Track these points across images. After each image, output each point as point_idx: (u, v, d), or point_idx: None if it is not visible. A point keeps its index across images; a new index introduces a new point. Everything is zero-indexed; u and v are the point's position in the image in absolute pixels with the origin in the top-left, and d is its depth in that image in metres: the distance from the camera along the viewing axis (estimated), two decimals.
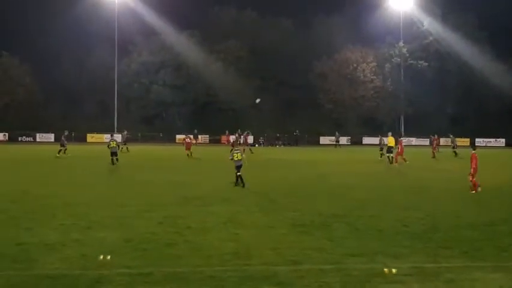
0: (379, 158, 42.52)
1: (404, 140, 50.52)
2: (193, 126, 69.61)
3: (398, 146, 40.18)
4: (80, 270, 10.30)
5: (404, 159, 38.37)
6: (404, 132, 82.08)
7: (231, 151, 27.07)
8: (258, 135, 74.55)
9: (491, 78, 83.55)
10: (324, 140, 76.72)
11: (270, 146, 70.53)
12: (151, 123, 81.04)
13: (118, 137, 43.56)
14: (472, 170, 22.91)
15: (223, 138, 73.85)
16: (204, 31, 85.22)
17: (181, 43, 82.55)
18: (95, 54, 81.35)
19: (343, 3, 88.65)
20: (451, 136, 53.16)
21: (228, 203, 19.13)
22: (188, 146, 45.82)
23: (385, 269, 10.62)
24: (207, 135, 78.33)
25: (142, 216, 16.15)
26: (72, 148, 50.93)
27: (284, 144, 71.86)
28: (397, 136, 45.93)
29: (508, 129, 79.72)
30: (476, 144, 78.29)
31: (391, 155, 39.32)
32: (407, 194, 22.79)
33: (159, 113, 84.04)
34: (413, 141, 77.26)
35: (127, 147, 49.12)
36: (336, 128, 79.83)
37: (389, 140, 40.77)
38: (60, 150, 42.49)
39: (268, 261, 11.36)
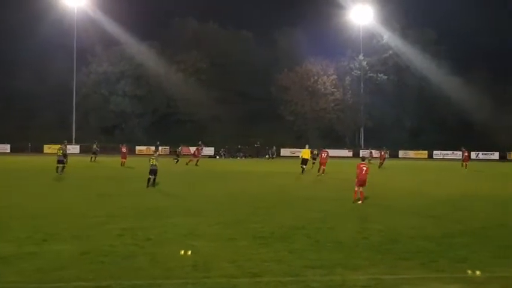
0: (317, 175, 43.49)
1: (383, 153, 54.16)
2: (154, 137, 69.88)
3: (320, 156, 41.37)
4: (36, 284, 10.15)
5: (320, 169, 39.68)
6: (364, 144, 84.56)
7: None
8: (219, 146, 74.74)
9: (448, 92, 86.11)
10: (285, 151, 76.97)
11: (230, 158, 70.48)
12: (112, 134, 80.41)
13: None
14: (361, 179, 23.27)
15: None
16: (165, 42, 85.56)
17: (141, 53, 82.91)
18: (53, 63, 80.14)
19: (305, 17, 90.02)
20: (384, 148, 55.86)
21: (189, 215, 19.02)
22: (124, 156, 47.01)
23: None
24: (168, 147, 77.15)
25: (101, 228, 16.07)
26: (30, 159, 51.44)
27: (245, 156, 72.00)
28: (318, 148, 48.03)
29: (465, 141, 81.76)
30: (434, 157, 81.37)
31: (305, 166, 40.76)
32: (367, 206, 22.75)
33: (119, 123, 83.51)
34: (373, 153, 78.58)
35: (95, 158, 50.52)
36: (297, 140, 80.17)
37: (305, 152, 42.07)
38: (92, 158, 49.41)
39: (228, 274, 11.31)
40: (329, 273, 11.44)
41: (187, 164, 48.30)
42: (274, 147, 71.85)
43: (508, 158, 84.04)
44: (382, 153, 53.18)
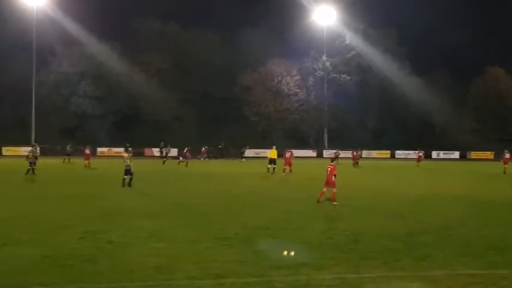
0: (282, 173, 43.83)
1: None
2: (116, 139, 71.27)
3: (284, 156, 43.01)
4: None
5: (284, 169, 41.32)
6: (328, 145, 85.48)
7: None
8: (182, 148, 74.27)
9: (410, 93, 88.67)
10: (249, 152, 77.30)
11: (194, 159, 70.66)
12: (73, 135, 79.24)
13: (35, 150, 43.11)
14: (329, 181, 23.70)
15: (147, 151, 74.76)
16: (126, 42, 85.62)
17: (102, 54, 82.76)
18: (11, 63, 79.73)
19: (268, 17, 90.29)
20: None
21: (151, 217, 19.06)
22: (87, 157, 48.31)
23: None
24: (130, 148, 77.43)
25: (62, 231, 15.96)
26: None
27: (209, 157, 72.19)
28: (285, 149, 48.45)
29: (426, 141, 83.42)
30: (396, 157, 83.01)
31: (274, 166, 41.83)
32: (332, 206, 22.93)
33: (80, 124, 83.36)
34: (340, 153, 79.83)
35: (69, 160, 50.89)
36: (262, 140, 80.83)
37: (272, 153, 43.13)
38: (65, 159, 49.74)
39: (192, 276, 11.37)
40: (294, 273, 11.51)
41: (178, 164, 52.13)
42: (247, 147, 71.62)
43: (468, 157, 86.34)
44: (355, 153, 55.48)
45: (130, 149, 44.13)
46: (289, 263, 12.39)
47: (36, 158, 38.83)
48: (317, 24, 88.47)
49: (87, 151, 49.41)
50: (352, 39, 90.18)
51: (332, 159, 26.26)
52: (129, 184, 29.82)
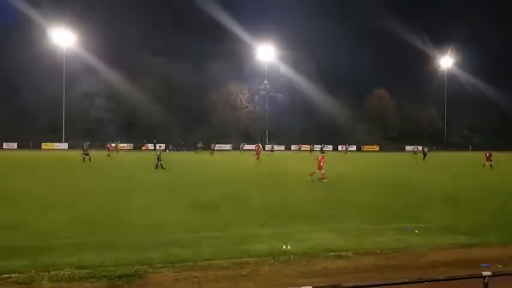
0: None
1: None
2: (121, 137, 75.45)
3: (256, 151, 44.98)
4: (38, 241, 10.17)
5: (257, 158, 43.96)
6: (268, 141, 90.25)
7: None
8: (168, 143, 79.73)
9: (324, 104, 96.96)
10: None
11: (176, 151, 73.43)
12: (91, 135, 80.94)
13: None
14: (319, 166, 24.70)
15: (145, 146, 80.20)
16: (130, 70, 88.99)
17: (112, 78, 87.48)
18: (46, 85, 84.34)
19: (228, 53, 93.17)
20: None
21: (147, 191, 19.03)
22: (109, 149, 51.64)
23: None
24: (132, 144, 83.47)
25: (83, 201, 16.12)
26: (34, 154, 52.45)
27: (188, 150, 74.32)
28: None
29: (334, 138, 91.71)
30: (314, 149, 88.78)
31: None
32: (272, 183, 23.73)
33: (97, 128, 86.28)
34: (275, 147, 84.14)
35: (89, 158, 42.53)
36: (223, 139, 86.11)
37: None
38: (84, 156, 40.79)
39: (175, 231, 11.42)
40: (245, 228, 11.91)
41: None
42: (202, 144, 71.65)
43: (361, 149, 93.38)
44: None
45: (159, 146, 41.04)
46: (240, 221, 12.73)
47: (88, 150, 40.59)
48: (261, 59, 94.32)
49: (109, 145, 53.33)
50: (284, 69, 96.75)
51: (322, 151, 27.56)
52: (162, 166, 30.96)
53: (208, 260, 9.18)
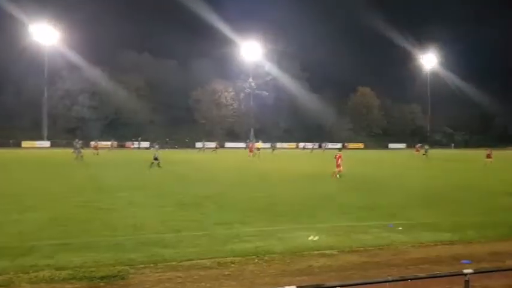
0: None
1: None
2: (104, 136, 74.83)
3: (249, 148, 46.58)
4: (18, 242, 10.08)
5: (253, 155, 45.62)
6: (254, 139, 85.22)
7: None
8: (153, 141, 76.03)
9: (308, 103, 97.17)
10: (199, 145, 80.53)
11: (161, 149, 71.40)
12: (73, 133, 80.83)
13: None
14: (338, 164, 25.21)
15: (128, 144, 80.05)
16: (113, 67, 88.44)
17: (95, 75, 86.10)
18: (26, 83, 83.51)
19: (214, 50, 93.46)
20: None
21: (131, 190, 19.00)
22: (95, 148, 52.38)
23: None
24: (116, 142, 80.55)
25: (65, 201, 15.95)
26: (15, 152, 52.17)
27: (173, 148, 73.53)
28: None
29: (319, 137, 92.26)
30: (299, 147, 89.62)
31: (258, 152, 46.88)
32: (256, 181, 24.04)
33: (79, 126, 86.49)
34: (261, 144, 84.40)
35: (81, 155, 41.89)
36: (207, 136, 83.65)
37: (258, 144, 49.45)
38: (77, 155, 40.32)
39: (158, 231, 11.42)
40: (229, 227, 11.90)
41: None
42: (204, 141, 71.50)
43: (346, 147, 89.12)
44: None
45: (157, 146, 40.53)
46: (224, 221, 12.70)
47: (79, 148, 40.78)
48: (246, 57, 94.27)
49: (95, 143, 54.04)
50: (269, 68, 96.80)
51: (339, 149, 27.43)
52: (158, 165, 30.88)
53: (192, 259, 9.12)
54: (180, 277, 8.19)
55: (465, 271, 5.16)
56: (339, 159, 25.34)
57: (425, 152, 55.03)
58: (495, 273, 6.27)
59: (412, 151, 61.80)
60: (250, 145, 50.42)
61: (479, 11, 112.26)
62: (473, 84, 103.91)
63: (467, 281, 5.14)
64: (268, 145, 73.72)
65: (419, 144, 63.00)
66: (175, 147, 74.41)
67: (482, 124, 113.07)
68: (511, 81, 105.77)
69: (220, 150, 65.08)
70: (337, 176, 24.93)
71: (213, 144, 69.41)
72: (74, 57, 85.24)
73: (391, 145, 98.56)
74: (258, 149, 52.64)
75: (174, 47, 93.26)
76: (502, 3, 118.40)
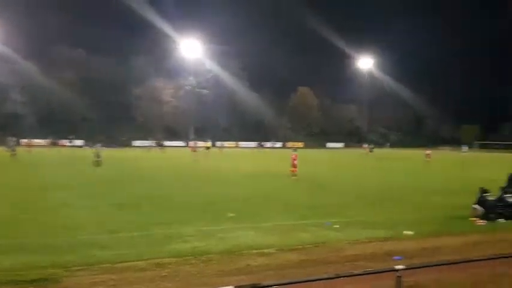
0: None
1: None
2: (37, 133, 72.32)
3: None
4: None
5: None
6: (194, 137, 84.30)
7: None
8: (88, 140, 75.66)
9: (249, 101, 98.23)
10: (136, 143, 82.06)
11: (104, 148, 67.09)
12: (5, 130, 75.89)
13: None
14: (294, 164, 25.68)
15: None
16: (47, 62, 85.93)
17: (27, 70, 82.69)
18: None
19: (153, 47, 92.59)
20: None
21: (66, 190, 18.71)
22: (29, 145, 51.78)
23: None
24: (49, 139, 76.82)
25: None
26: None
27: (111, 146, 69.27)
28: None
29: (259, 135, 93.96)
30: (240, 146, 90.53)
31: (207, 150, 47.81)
32: (198, 180, 24.01)
33: (11, 122, 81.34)
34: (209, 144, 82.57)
35: (15, 153, 41.04)
36: (146, 135, 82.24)
37: (207, 144, 50.87)
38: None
39: (94, 232, 11.17)
40: (167, 228, 11.77)
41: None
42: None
43: (286, 146, 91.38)
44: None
45: (99, 144, 38.61)
46: (163, 221, 12.57)
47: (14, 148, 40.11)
48: (186, 54, 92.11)
49: (28, 141, 54.11)
50: (210, 65, 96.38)
51: (294, 149, 27.81)
52: (99, 164, 30.86)
53: (128, 261, 8.98)
54: (113, 279, 8.02)
55: (397, 267, 5.40)
56: (295, 160, 25.67)
57: (371, 151, 58.86)
58: (426, 269, 6.52)
59: (361, 150, 66.13)
60: (193, 144, 50.61)
61: (415, 17, 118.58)
62: (407, 87, 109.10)
63: (400, 276, 5.39)
64: (217, 144, 73.77)
65: (366, 144, 65.32)
66: (113, 146, 72.06)
67: (415, 125, 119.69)
68: (442, 84, 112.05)
69: (160, 149, 64.87)
70: (294, 176, 25.28)
71: (159, 143, 69.31)
72: (6, 51, 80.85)
73: (329, 144, 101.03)
74: (208, 147, 52.90)
75: (113, 43, 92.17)
76: (435, 11, 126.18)
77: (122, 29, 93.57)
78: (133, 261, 9.02)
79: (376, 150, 70.28)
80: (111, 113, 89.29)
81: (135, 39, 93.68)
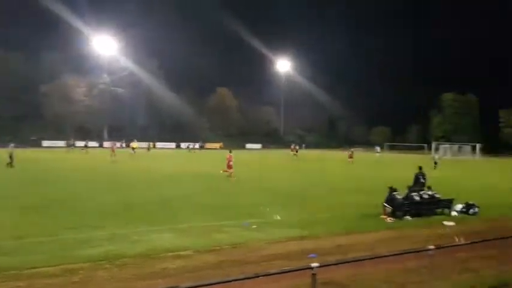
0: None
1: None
2: None
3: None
4: None
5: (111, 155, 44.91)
6: (108, 137, 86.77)
7: None
8: None
9: (167, 101, 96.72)
10: (45, 143, 78.96)
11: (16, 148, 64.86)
12: None
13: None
14: (229, 165, 26.19)
15: None
16: None
17: None
18: None
19: (64, 44, 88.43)
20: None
21: None
22: None
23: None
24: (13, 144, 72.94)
25: None
26: None
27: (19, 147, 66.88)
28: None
29: (178, 135, 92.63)
30: (157, 147, 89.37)
31: (133, 152, 47.43)
32: (112, 182, 23.52)
33: None
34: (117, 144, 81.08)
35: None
36: (57, 134, 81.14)
37: (134, 144, 50.20)
38: None
39: None
40: (79, 232, 11.52)
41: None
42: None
43: (205, 147, 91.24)
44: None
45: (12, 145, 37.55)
46: (74, 225, 12.30)
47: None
48: (100, 50, 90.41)
49: None
50: (125, 63, 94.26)
51: (230, 151, 27.69)
52: (11, 165, 29.97)
53: (36, 267, 8.61)
54: (20, 286, 7.72)
55: (312, 265, 5.59)
56: (230, 160, 26.16)
57: (296, 152, 59.87)
58: (340, 265, 6.77)
59: (288, 151, 66.41)
60: (112, 145, 49.48)
61: (332, 22, 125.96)
62: (323, 90, 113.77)
63: (315, 274, 5.58)
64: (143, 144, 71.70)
65: (293, 145, 67.42)
66: (23, 146, 67.27)
67: (330, 127, 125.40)
68: (355, 89, 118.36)
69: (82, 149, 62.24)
70: (229, 176, 25.64)
71: (82, 143, 67.07)
72: None
73: (248, 145, 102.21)
74: (133, 148, 52.19)
75: (20, 39, 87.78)
76: (351, 17, 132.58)
77: (32, 25, 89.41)
78: (42, 267, 8.66)
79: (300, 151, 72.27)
80: (19, 111, 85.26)
81: (46, 35, 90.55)
